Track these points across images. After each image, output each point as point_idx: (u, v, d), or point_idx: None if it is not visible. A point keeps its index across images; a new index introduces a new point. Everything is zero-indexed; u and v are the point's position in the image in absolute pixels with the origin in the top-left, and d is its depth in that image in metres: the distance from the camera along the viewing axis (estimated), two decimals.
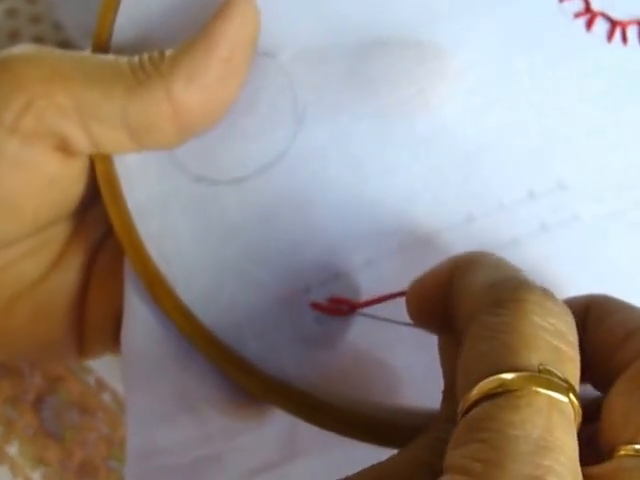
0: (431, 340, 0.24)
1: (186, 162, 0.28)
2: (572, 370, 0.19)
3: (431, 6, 0.27)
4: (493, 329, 0.19)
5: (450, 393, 0.23)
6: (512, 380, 0.18)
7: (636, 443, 0.19)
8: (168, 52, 0.26)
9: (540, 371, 0.18)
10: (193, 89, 0.26)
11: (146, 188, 0.28)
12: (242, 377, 0.27)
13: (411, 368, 0.26)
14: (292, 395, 0.26)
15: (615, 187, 0.26)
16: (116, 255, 0.30)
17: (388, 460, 0.21)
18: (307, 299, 0.26)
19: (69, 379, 0.40)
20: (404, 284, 0.25)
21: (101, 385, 0.40)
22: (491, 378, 0.18)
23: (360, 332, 0.26)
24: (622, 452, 0.19)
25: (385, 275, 0.26)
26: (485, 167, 0.26)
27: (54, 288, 0.30)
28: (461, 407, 0.19)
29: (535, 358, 0.18)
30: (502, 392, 0.18)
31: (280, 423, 0.29)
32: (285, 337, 0.26)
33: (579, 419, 0.19)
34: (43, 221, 0.28)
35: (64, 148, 0.27)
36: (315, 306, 0.26)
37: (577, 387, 0.19)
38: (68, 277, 0.30)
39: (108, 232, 0.30)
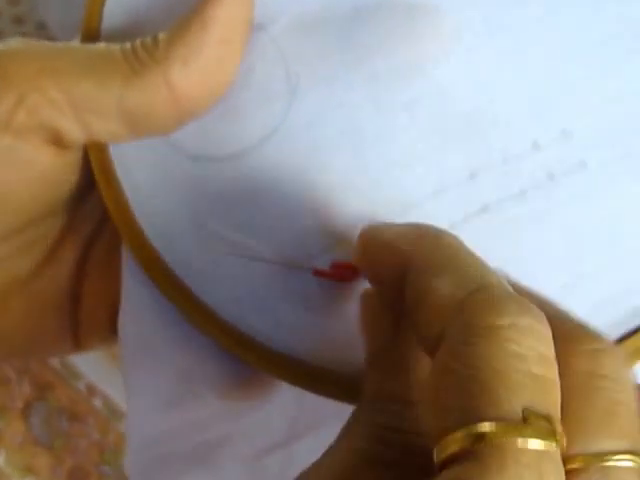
0: None
1: (181, 142, 0.27)
2: (555, 397, 0.17)
3: None
4: (466, 363, 0.17)
5: (377, 363, 0.22)
6: (494, 432, 0.16)
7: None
8: (161, 36, 0.26)
9: (524, 417, 0.16)
10: (190, 73, 0.25)
11: (142, 172, 0.27)
12: (245, 353, 0.26)
13: None
14: (298, 367, 0.26)
15: (622, 131, 0.26)
16: (111, 246, 0.30)
17: (327, 455, 0.20)
18: (309, 267, 0.26)
19: (58, 385, 0.39)
20: None
21: (91, 390, 0.39)
22: (470, 427, 0.16)
23: None
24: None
25: None
26: (486, 123, 0.26)
27: (48, 282, 0.30)
28: (437, 457, 0.17)
29: (517, 402, 0.17)
30: (483, 446, 0.16)
31: (285, 402, 0.28)
32: (288, 308, 0.26)
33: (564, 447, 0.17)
34: (36, 215, 0.28)
35: (57, 141, 0.26)
36: (318, 273, 0.26)
37: (559, 413, 0.17)
38: (62, 270, 0.30)
39: (102, 224, 0.30)
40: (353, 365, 0.25)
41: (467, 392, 0.17)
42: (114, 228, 0.28)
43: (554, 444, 0.17)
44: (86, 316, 0.30)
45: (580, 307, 0.25)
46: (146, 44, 0.25)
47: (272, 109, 0.27)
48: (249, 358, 0.26)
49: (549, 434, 0.16)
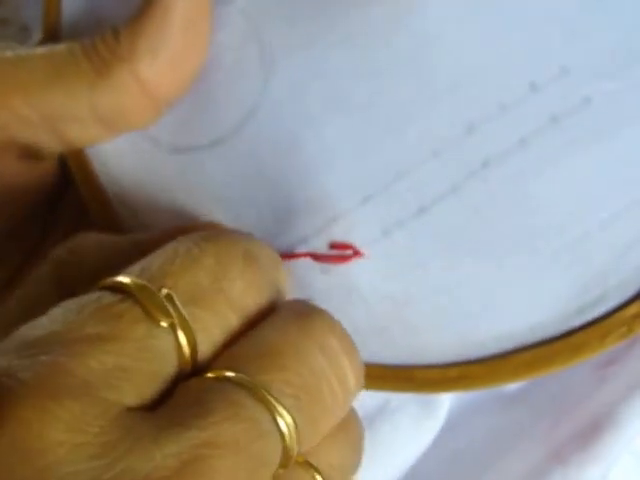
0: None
1: (159, 135, 0.26)
2: (206, 316, 0.19)
3: None
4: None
5: None
6: (126, 282, 0.19)
7: None
8: (122, 29, 0.24)
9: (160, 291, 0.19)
10: (159, 65, 0.24)
11: (124, 171, 0.27)
12: None
13: None
14: None
15: (621, 60, 0.24)
16: None
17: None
18: (306, 251, 0.25)
19: None
20: (410, 213, 0.24)
21: None
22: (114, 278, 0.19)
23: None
24: None
25: (385, 208, 0.24)
26: (476, 71, 0.24)
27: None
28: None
29: (168, 282, 0.19)
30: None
31: None
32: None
33: None
34: (14, 224, 0.28)
35: (33, 154, 0.26)
36: (316, 257, 0.25)
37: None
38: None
39: (81, 219, 0.29)
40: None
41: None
42: (93, 223, 0.27)
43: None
44: None
45: (600, 257, 0.24)
46: (107, 41, 0.24)
47: (248, 86, 0.26)
48: None
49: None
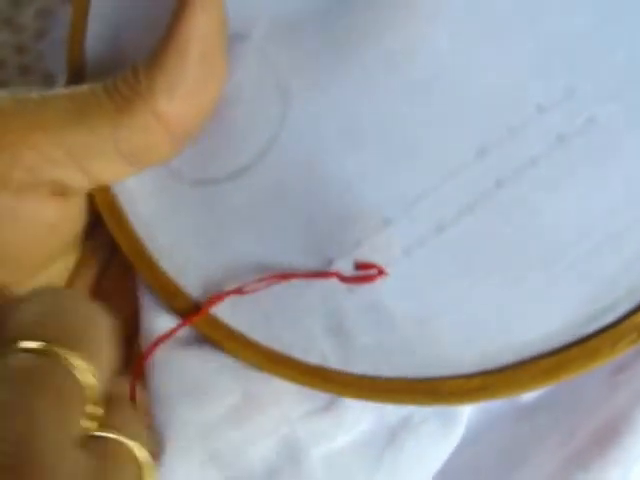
0: None
1: (182, 169, 0.27)
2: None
3: None
4: None
5: None
6: None
7: None
8: (141, 67, 0.25)
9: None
10: (177, 100, 0.25)
11: (148, 205, 0.28)
12: (282, 370, 0.26)
13: None
14: (346, 380, 0.26)
15: (625, 80, 0.25)
16: (121, 275, 0.29)
17: None
18: (333, 272, 0.25)
19: None
20: (429, 233, 0.25)
21: None
22: None
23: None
24: None
25: (406, 229, 0.26)
26: (484, 96, 0.26)
27: None
28: None
29: None
30: None
31: None
32: (319, 319, 0.26)
33: None
34: (46, 262, 0.28)
35: (62, 192, 0.26)
36: (343, 279, 0.25)
37: None
38: None
39: (111, 254, 0.30)
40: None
41: None
42: (122, 258, 0.28)
43: None
44: None
45: (609, 267, 0.25)
46: (127, 79, 0.25)
47: (266, 120, 0.27)
48: (286, 374, 0.26)
49: None
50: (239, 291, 0.26)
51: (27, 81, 0.37)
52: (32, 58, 0.38)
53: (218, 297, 0.26)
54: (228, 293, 0.26)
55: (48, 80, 0.37)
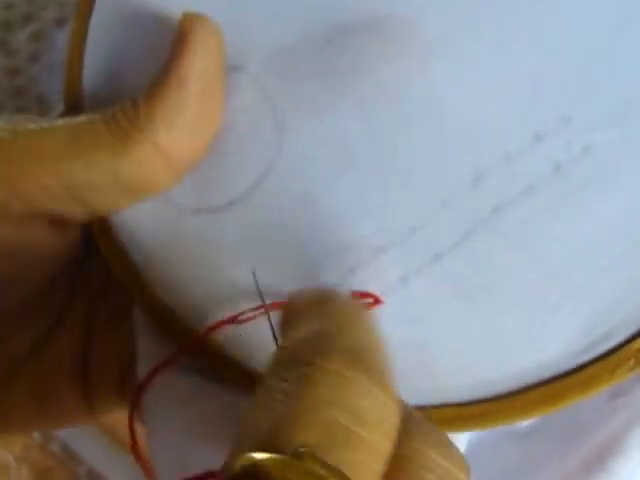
0: None
1: (179, 198, 0.27)
2: (357, 456, 0.17)
3: None
4: (273, 397, 0.17)
5: None
6: (263, 462, 0.16)
7: None
8: (140, 100, 0.25)
9: (299, 455, 0.16)
10: (177, 133, 0.25)
11: (144, 234, 0.27)
12: None
13: None
14: None
15: (623, 108, 0.25)
16: (117, 302, 0.29)
17: None
18: None
19: (58, 469, 0.38)
20: (426, 261, 0.25)
21: (92, 477, 0.38)
22: (247, 455, 0.17)
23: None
24: None
25: (402, 257, 0.25)
26: (482, 125, 0.26)
27: (55, 350, 0.30)
28: (225, 470, 0.17)
29: (299, 438, 0.17)
30: (253, 472, 0.16)
31: None
32: None
33: None
34: (42, 289, 0.28)
35: (59, 222, 0.26)
36: None
37: (363, 476, 0.17)
38: (71, 334, 0.30)
39: (106, 281, 0.30)
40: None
41: (260, 422, 0.17)
42: (118, 286, 0.27)
43: None
44: (96, 376, 0.30)
45: (606, 295, 0.25)
46: (127, 111, 0.25)
47: (263, 149, 0.27)
48: None
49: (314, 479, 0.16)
50: (235, 320, 0.26)
51: (20, 104, 0.37)
52: (25, 81, 0.38)
53: (214, 327, 0.26)
54: (223, 323, 0.26)
55: (41, 103, 0.37)
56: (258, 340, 0.26)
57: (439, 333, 0.25)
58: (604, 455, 0.28)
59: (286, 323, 0.22)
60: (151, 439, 0.27)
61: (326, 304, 0.21)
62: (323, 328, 0.19)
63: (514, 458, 0.31)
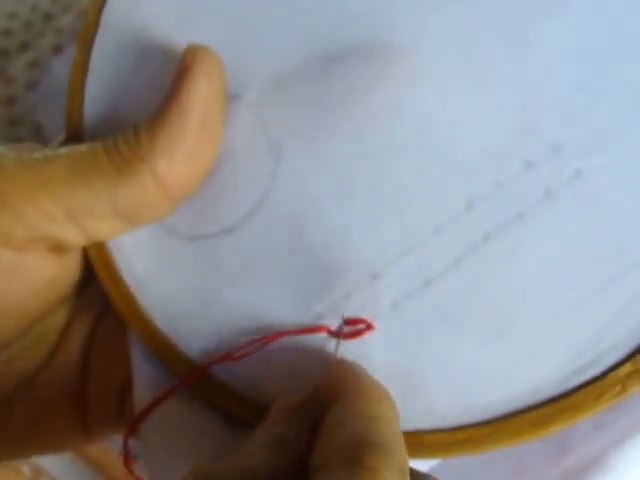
0: None
1: (175, 225, 0.28)
2: None
3: (383, 8, 0.27)
4: None
5: None
6: None
7: None
8: (142, 129, 0.26)
9: None
10: (177, 162, 0.26)
11: (141, 260, 0.28)
12: None
13: None
14: None
15: (612, 134, 0.26)
16: (114, 328, 0.29)
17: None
18: (322, 327, 0.26)
19: None
20: (417, 287, 0.25)
21: None
22: None
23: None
24: None
25: (393, 283, 0.26)
26: (473, 151, 0.26)
27: (53, 375, 0.30)
28: None
29: None
30: None
31: None
32: (314, 376, 0.25)
33: None
34: (41, 315, 0.28)
35: (58, 248, 0.27)
36: (331, 333, 0.26)
37: None
38: (69, 360, 0.30)
39: (105, 307, 0.30)
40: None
41: None
42: (116, 312, 0.28)
43: None
44: (94, 400, 0.30)
45: (594, 321, 0.25)
46: (128, 140, 0.26)
47: (258, 177, 0.27)
48: None
49: None
50: (229, 357, 0.26)
51: (16, 132, 0.37)
52: (22, 109, 0.38)
53: (208, 363, 0.26)
54: (217, 360, 0.26)
55: (38, 131, 0.37)
56: (256, 372, 0.26)
57: (430, 359, 0.25)
58: (586, 470, 0.28)
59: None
60: (148, 468, 0.27)
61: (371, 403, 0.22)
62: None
63: (500, 469, 0.31)
